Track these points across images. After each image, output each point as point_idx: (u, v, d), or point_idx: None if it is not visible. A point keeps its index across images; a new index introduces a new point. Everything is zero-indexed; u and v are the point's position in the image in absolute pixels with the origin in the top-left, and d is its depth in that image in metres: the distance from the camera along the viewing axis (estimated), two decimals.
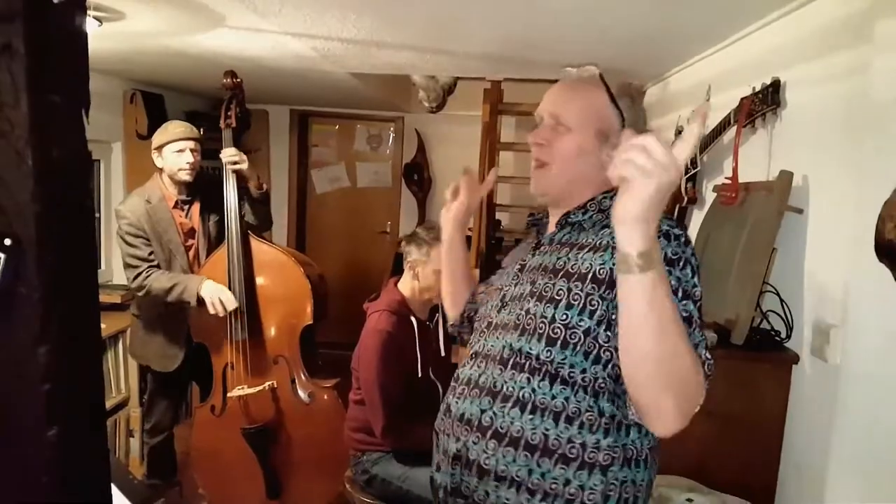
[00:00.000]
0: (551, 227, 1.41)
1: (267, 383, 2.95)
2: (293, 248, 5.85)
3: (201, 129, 3.13)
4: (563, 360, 1.23)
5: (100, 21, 2.31)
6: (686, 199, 2.75)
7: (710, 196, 2.58)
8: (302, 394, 2.98)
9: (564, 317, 1.23)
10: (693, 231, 2.57)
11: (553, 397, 1.23)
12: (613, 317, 1.18)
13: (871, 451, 1.61)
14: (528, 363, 1.26)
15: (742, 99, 2.12)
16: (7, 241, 0.60)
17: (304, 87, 4.40)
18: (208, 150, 3.21)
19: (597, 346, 1.21)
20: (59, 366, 0.64)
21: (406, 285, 2.62)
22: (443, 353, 2.76)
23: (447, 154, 5.72)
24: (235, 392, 2.93)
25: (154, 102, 4.43)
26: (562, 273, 1.27)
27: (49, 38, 0.61)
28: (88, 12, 2.23)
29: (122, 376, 3.77)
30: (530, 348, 1.26)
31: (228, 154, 2.92)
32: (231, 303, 2.87)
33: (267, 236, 3.28)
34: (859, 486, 1.63)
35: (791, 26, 2.00)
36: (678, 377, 1.06)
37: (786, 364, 1.95)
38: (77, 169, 0.66)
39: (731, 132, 2.27)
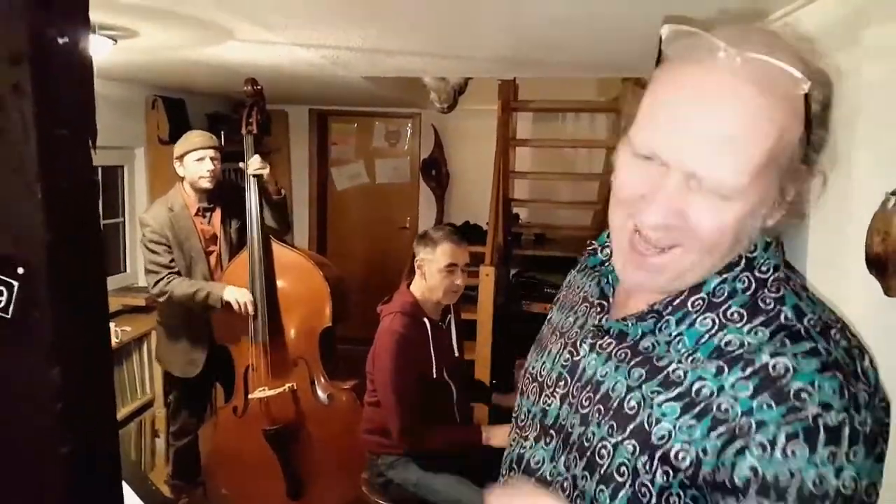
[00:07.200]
0: (630, 304, 0.87)
1: (287, 385, 3.01)
2: (315, 245, 5.93)
3: (222, 133, 3.19)
4: None
5: (114, 40, 2.37)
6: None
7: None
8: (321, 395, 3.04)
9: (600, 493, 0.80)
10: None
11: None
12: None
13: None
14: None
15: None
16: (20, 270, 0.64)
17: (321, 89, 4.44)
18: (231, 152, 3.27)
19: None
20: (71, 385, 0.67)
21: (417, 287, 2.65)
22: (456, 354, 2.79)
23: (464, 149, 5.72)
24: (256, 394, 3.00)
25: (176, 107, 4.47)
26: (616, 416, 0.80)
27: (55, 76, 0.64)
28: (104, 33, 2.29)
29: (146, 378, 3.86)
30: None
31: (254, 164, 2.99)
32: (251, 307, 2.95)
33: (288, 235, 3.34)
34: None
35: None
36: None
37: None
38: (85, 196, 0.70)
39: None
